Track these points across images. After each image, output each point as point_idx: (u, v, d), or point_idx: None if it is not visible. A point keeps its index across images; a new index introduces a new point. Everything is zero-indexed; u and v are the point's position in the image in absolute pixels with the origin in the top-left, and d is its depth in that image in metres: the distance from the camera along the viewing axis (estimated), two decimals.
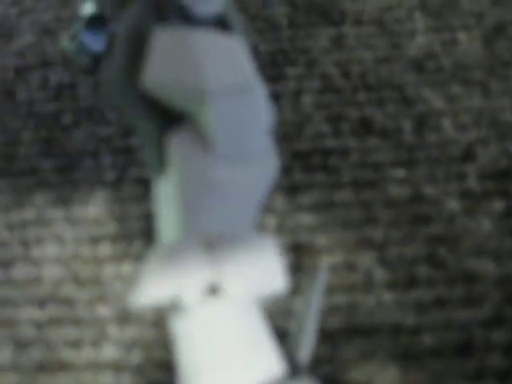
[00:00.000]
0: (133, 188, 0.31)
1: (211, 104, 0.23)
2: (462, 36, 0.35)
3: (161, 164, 0.24)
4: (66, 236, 0.31)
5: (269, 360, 0.22)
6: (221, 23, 0.27)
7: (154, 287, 0.22)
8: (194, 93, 0.23)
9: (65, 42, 0.35)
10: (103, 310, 0.29)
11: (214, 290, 0.22)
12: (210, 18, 0.27)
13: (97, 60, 0.36)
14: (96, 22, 0.36)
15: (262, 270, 0.22)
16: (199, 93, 0.23)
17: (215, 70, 0.24)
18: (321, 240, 0.28)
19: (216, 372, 0.22)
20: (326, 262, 0.28)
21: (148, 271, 0.22)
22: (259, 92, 0.25)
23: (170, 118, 0.24)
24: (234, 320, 0.22)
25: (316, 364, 0.26)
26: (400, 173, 0.30)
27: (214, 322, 0.22)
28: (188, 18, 0.26)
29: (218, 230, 0.22)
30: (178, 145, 0.23)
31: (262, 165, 0.24)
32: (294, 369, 0.23)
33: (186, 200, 0.23)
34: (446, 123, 0.32)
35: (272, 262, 0.23)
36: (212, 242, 0.22)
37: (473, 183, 0.30)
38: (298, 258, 0.28)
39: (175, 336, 0.23)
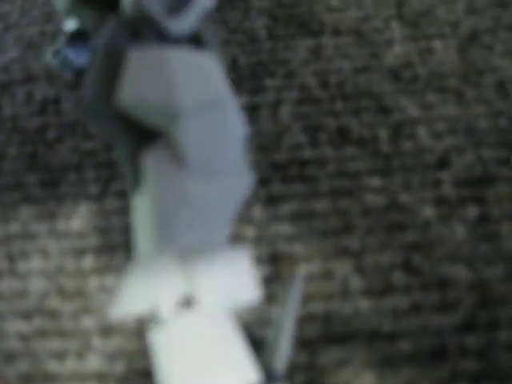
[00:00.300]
0: (116, 201, 0.32)
1: (183, 121, 0.24)
2: (437, 44, 0.35)
3: (136, 179, 0.24)
4: (50, 249, 0.31)
5: (244, 369, 0.23)
6: (195, 40, 0.28)
7: (130, 300, 0.23)
8: (166, 111, 0.24)
9: (48, 57, 0.36)
10: (87, 322, 0.29)
11: (188, 302, 0.22)
12: (185, 36, 0.27)
13: (80, 74, 0.37)
14: (79, 38, 0.36)
15: (235, 281, 0.23)
16: (171, 110, 0.24)
17: (187, 87, 0.24)
18: (299, 249, 0.29)
19: (190, 382, 0.22)
20: (302, 270, 0.28)
21: (125, 284, 0.23)
22: (232, 107, 0.25)
23: (144, 135, 0.25)
24: (209, 330, 0.23)
25: (293, 371, 0.26)
26: (376, 181, 0.31)
27: (188, 333, 0.23)
28: (162, 36, 0.27)
29: (193, 243, 0.23)
30: (152, 161, 0.24)
31: (235, 179, 0.24)
32: (270, 377, 0.24)
33: (161, 215, 0.23)
34: (422, 131, 0.32)
35: (245, 272, 0.23)
36: (186, 254, 0.23)
37: (448, 190, 0.30)
38: (276, 267, 0.29)
39: (152, 347, 0.23)
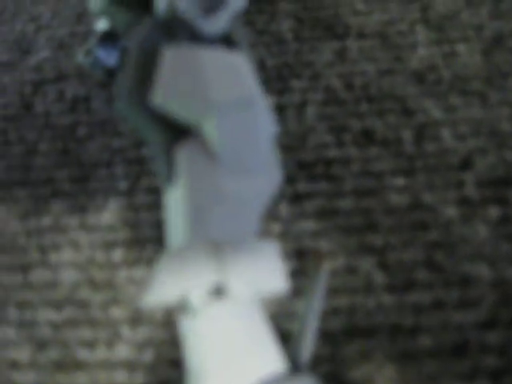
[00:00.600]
0: (145, 196, 0.33)
1: (216, 118, 0.24)
2: (461, 48, 0.36)
3: (169, 175, 0.25)
4: (81, 242, 0.32)
5: (271, 358, 0.24)
6: (227, 40, 0.29)
7: (162, 289, 0.24)
8: (201, 108, 0.25)
9: (80, 57, 0.37)
10: (117, 312, 0.30)
11: (219, 291, 0.23)
12: (217, 36, 0.28)
13: (110, 74, 0.38)
14: (110, 38, 0.37)
15: (264, 272, 0.24)
16: (205, 107, 0.25)
17: (221, 85, 0.25)
18: (323, 245, 0.30)
19: (220, 370, 0.23)
20: (327, 265, 0.29)
21: (157, 273, 0.24)
22: (263, 106, 0.26)
23: (178, 132, 0.25)
24: (238, 320, 0.24)
25: (317, 363, 0.27)
26: (400, 181, 0.31)
27: (218, 322, 0.23)
28: (196, 36, 0.28)
29: (224, 237, 0.24)
30: (186, 157, 0.25)
31: (265, 176, 0.25)
32: (295, 367, 0.25)
33: (194, 209, 0.24)
34: (445, 133, 0.33)
35: (274, 264, 0.24)
36: (218, 246, 0.24)
37: (470, 191, 0.31)
38: (301, 262, 0.29)
39: (183, 336, 0.24)
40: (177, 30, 0.28)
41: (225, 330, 0.24)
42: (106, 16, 0.34)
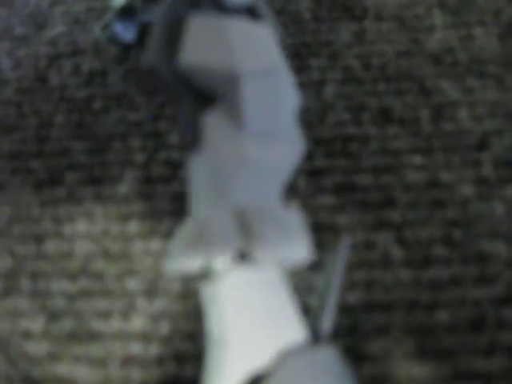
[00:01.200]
0: (162, 169, 0.33)
1: (241, 85, 0.24)
2: (478, 32, 0.36)
3: (194, 140, 0.25)
4: (96, 213, 0.32)
5: (293, 327, 0.24)
6: (250, 13, 0.29)
7: (185, 255, 0.24)
8: (226, 74, 0.25)
9: (97, 32, 0.37)
10: (132, 283, 0.30)
11: (243, 257, 0.23)
12: (242, 8, 0.28)
13: (127, 49, 0.38)
14: (127, 13, 0.37)
15: (289, 241, 0.24)
16: (230, 74, 0.25)
17: (245, 53, 0.25)
18: (341, 220, 0.30)
19: (241, 339, 0.23)
20: (347, 240, 0.29)
21: (180, 240, 0.24)
22: (286, 75, 0.26)
23: (203, 98, 0.25)
24: (261, 286, 0.24)
25: (336, 336, 0.27)
26: (417, 159, 0.31)
27: (241, 288, 0.23)
28: (220, 7, 0.28)
29: (249, 202, 0.24)
30: (211, 122, 0.25)
31: (289, 143, 0.25)
32: (316, 337, 0.25)
33: (220, 175, 0.24)
34: (462, 114, 0.33)
35: (299, 233, 0.24)
36: (242, 213, 0.23)
37: (487, 171, 0.31)
38: (319, 236, 0.29)
39: (204, 303, 0.24)
40: (201, 1, 0.28)
41: (247, 296, 0.24)
42: None
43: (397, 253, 0.29)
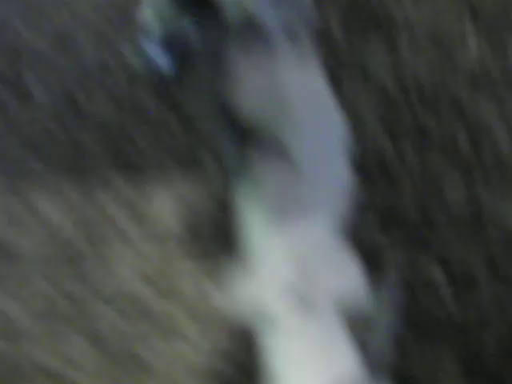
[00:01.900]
0: (201, 191, 0.33)
1: (300, 132, 0.25)
2: None
3: (240, 171, 0.25)
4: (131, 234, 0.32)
5: (349, 366, 0.23)
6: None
7: (241, 296, 0.24)
8: (281, 119, 0.25)
9: (129, 55, 0.37)
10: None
11: (303, 302, 0.23)
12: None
13: (163, 79, 0.37)
14: (172, 41, 0.37)
15: (346, 282, 0.24)
16: (287, 121, 0.25)
17: (301, 101, 0.26)
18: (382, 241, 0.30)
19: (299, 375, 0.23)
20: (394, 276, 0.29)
21: (236, 280, 0.24)
22: (339, 121, 0.27)
23: (245, 133, 0.26)
24: (319, 329, 0.23)
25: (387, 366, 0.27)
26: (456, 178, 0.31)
27: (303, 334, 0.23)
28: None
29: (305, 240, 0.24)
30: (265, 162, 0.25)
31: (339, 186, 0.26)
32: (371, 371, 0.24)
33: (274, 213, 0.25)
34: (500, 135, 0.33)
35: (353, 271, 0.24)
36: (301, 252, 0.24)
37: None
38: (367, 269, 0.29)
39: (261, 344, 0.24)
40: (247, 33, 0.28)
41: (308, 341, 0.23)
42: (163, 22, 0.34)
43: (438, 274, 0.29)
